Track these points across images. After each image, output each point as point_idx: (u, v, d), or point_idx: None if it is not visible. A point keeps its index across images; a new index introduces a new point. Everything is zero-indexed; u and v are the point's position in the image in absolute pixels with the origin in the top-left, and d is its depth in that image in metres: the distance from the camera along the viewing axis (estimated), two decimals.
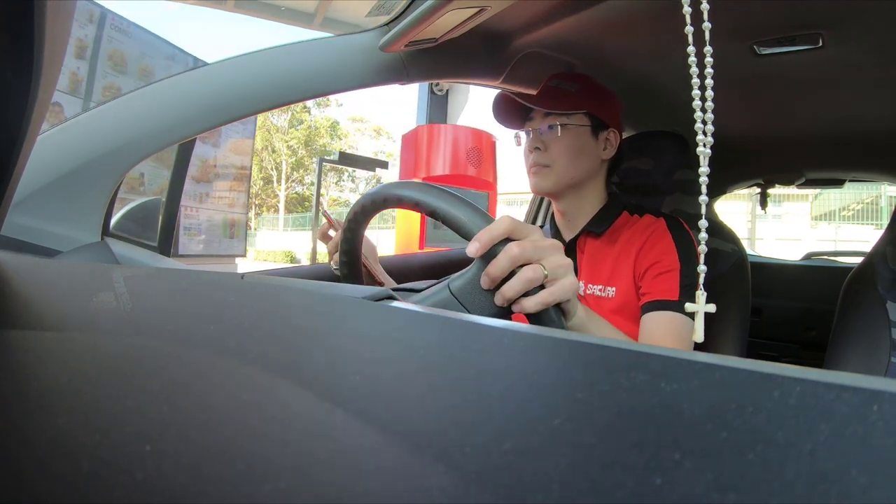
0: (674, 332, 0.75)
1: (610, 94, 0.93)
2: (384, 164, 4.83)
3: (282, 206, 25.93)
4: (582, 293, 0.88)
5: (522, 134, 0.94)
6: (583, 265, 0.90)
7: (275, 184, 26.76)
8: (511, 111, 0.92)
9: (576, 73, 0.93)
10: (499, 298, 0.48)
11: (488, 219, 0.49)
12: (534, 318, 0.48)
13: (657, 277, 0.80)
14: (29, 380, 0.22)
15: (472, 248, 0.48)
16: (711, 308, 0.42)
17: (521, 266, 0.47)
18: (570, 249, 0.92)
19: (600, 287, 0.86)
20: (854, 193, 11.79)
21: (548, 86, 0.91)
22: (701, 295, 0.40)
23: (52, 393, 0.20)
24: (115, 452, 0.16)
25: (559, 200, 0.92)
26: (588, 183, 0.91)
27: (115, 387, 0.21)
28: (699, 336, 0.42)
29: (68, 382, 0.21)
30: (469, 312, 0.48)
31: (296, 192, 27.18)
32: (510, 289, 0.47)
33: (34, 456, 0.16)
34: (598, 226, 0.89)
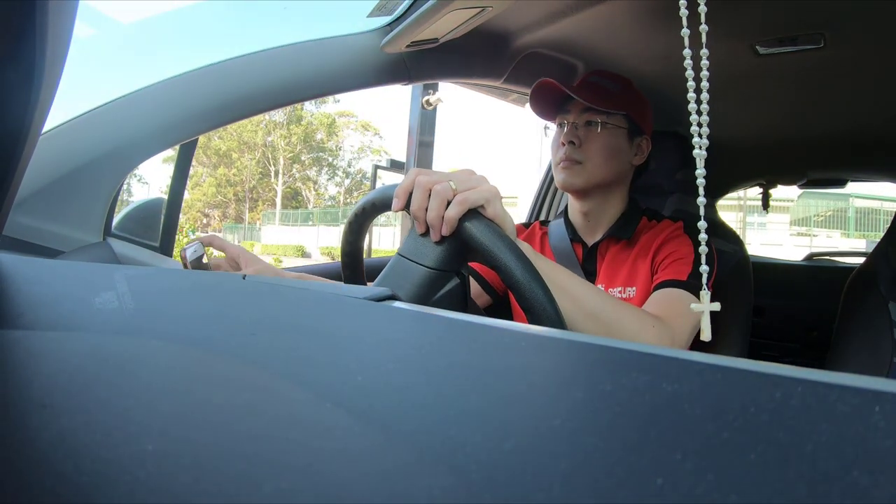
0: (669, 305, 0.73)
1: (647, 101, 0.92)
2: None
3: (279, 200, 26.28)
4: None
5: (552, 125, 0.92)
6: (602, 269, 0.90)
7: (272, 178, 27.07)
8: (546, 101, 0.90)
9: (617, 74, 0.92)
10: (433, 233, 0.49)
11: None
12: (463, 231, 0.48)
13: (670, 265, 0.80)
14: (31, 380, 0.22)
15: (394, 205, 0.51)
16: (716, 307, 0.42)
17: None
18: (591, 254, 0.91)
19: (619, 289, 0.86)
20: (825, 203, 14.40)
21: (588, 81, 0.90)
22: (705, 294, 0.40)
23: (55, 393, 0.20)
24: (116, 452, 0.16)
25: (584, 200, 0.91)
26: (615, 186, 0.90)
27: (117, 386, 0.21)
28: (706, 335, 0.41)
29: (70, 382, 0.21)
30: (416, 263, 0.50)
31: (289, 187, 27.63)
32: (430, 210, 0.48)
33: (36, 456, 0.16)
34: (623, 231, 0.88)
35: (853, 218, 13.75)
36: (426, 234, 0.50)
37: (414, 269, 0.50)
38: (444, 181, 0.49)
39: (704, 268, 0.39)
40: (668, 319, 0.67)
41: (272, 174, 27.04)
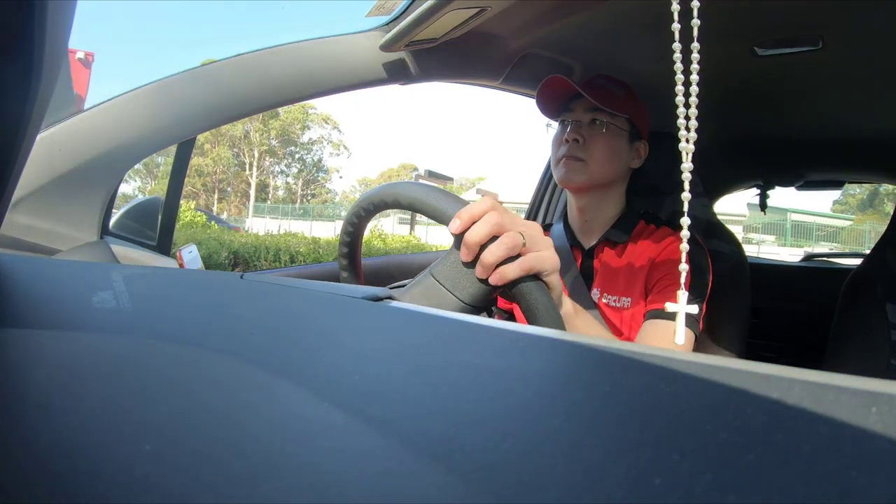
0: (667, 341, 0.75)
1: (646, 107, 0.94)
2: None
3: (253, 192, 26.49)
4: (597, 301, 0.89)
5: (554, 124, 0.94)
6: (598, 273, 0.90)
7: (245, 170, 27.29)
8: (551, 99, 0.92)
9: (618, 79, 0.94)
10: (479, 269, 0.47)
11: (464, 202, 0.49)
12: (517, 290, 0.47)
13: (665, 289, 0.81)
14: (28, 379, 0.22)
15: (454, 225, 0.47)
16: (693, 309, 0.42)
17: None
18: (588, 256, 0.92)
19: (615, 298, 0.87)
20: (768, 216, 19.60)
21: (594, 83, 0.92)
22: (682, 294, 0.41)
23: (51, 392, 0.20)
24: (114, 452, 0.16)
25: (582, 198, 0.92)
26: (613, 187, 0.91)
27: (114, 386, 0.21)
28: (680, 338, 0.42)
29: (67, 382, 0.21)
30: (451, 294, 0.48)
31: (258, 180, 28.00)
32: (490, 254, 0.45)
33: (34, 456, 0.16)
34: (619, 235, 0.89)
35: (789, 229, 18.45)
36: (469, 264, 0.48)
37: (446, 297, 0.48)
38: (515, 231, 0.47)
39: (684, 266, 0.39)
40: None
41: (246, 166, 27.29)
